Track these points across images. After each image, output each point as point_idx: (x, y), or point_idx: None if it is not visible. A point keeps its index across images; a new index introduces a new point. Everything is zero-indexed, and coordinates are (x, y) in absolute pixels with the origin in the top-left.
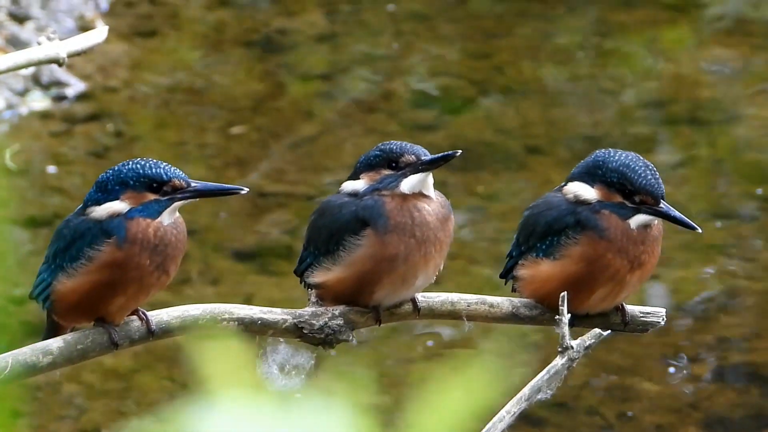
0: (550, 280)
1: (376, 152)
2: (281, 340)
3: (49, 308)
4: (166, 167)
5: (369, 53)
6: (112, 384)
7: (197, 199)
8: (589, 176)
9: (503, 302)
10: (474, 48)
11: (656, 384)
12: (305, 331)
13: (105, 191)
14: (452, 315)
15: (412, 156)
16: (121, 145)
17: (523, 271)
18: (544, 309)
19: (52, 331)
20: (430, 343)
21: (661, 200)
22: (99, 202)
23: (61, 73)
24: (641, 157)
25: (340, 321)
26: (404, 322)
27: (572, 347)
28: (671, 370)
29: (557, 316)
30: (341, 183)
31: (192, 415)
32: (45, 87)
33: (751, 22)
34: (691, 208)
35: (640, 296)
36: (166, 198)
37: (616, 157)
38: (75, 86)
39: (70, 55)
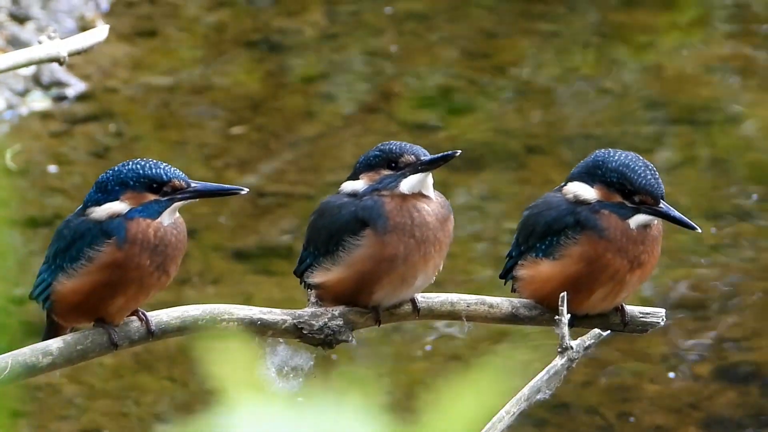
0: (550, 281)
1: (376, 152)
2: (281, 340)
3: (49, 308)
4: (166, 167)
5: (369, 53)
6: (112, 384)
7: (197, 200)
8: (588, 176)
9: (503, 303)
10: (474, 48)
11: (656, 384)
12: (305, 332)
13: (105, 192)
14: (452, 315)
15: (412, 156)
16: (122, 146)
17: (522, 272)
18: (544, 309)
19: (52, 331)
20: (428, 347)
21: (661, 200)
22: (99, 203)
23: (62, 74)
24: (641, 157)
25: (339, 321)
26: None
27: (572, 347)
28: (671, 370)
29: (557, 317)
30: (341, 183)
31: (215, 423)
32: (45, 87)
33: (751, 22)
34: (691, 208)
35: (639, 296)
36: (166, 198)
37: (616, 157)
38: (75, 86)
39: (71, 54)
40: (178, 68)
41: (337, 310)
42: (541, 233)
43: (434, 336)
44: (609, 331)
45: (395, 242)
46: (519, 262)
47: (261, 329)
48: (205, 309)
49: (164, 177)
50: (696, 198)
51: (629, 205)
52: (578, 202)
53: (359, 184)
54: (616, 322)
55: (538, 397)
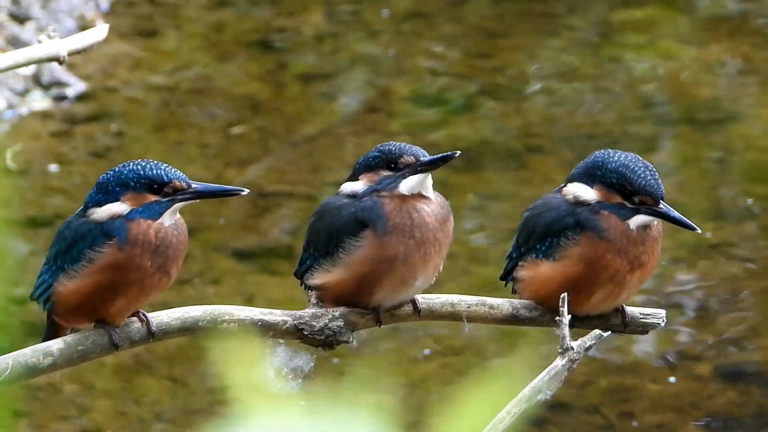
0: (550, 282)
1: (375, 153)
2: (281, 341)
3: (49, 309)
4: (167, 168)
5: (369, 53)
6: (112, 384)
7: (198, 200)
8: (588, 177)
9: (503, 303)
10: (474, 48)
11: (656, 384)
12: (305, 333)
13: (105, 192)
14: (452, 316)
15: (411, 157)
16: (122, 146)
17: (523, 273)
18: (545, 310)
19: (53, 332)
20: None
21: (661, 201)
22: (100, 204)
23: (62, 73)
24: (641, 158)
25: (340, 322)
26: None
27: (572, 348)
28: (671, 370)
29: (557, 318)
30: (341, 183)
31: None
32: (45, 87)
33: (751, 22)
34: (691, 208)
35: (640, 297)
36: (166, 199)
37: (616, 158)
38: (75, 86)
39: (71, 54)
40: (178, 68)
41: (338, 311)
42: (541, 234)
43: (434, 337)
44: (609, 332)
45: (395, 243)
46: (519, 264)
47: (262, 330)
48: (205, 310)
49: (165, 178)
50: (696, 198)
51: (629, 205)
52: (578, 203)
53: (359, 185)
54: (617, 322)
55: (538, 397)
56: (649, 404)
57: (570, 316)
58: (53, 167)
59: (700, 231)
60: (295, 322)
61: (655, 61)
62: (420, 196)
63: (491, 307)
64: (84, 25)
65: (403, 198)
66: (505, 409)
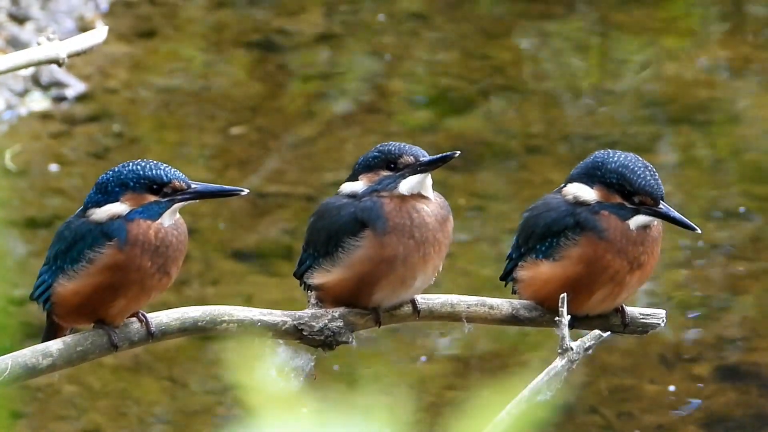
0: (550, 282)
1: (375, 153)
2: (281, 341)
3: (49, 309)
4: (166, 168)
5: (369, 53)
6: (112, 385)
7: (197, 200)
8: (588, 177)
9: (503, 304)
10: (474, 48)
11: (656, 384)
12: (305, 333)
13: (105, 193)
14: (452, 317)
15: (411, 157)
16: (121, 146)
17: (522, 273)
18: (544, 311)
19: (52, 332)
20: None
21: (661, 201)
22: (99, 204)
23: (61, 74)
24: (640, 158)
25: (339, 323)
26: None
27: (572, 349)
28: (671, 370)
29: (557, 318)
30: (341, 183)
31: None
32: (45, 88)
33: (751, 22)
34: (691, 208)
35: (639, 297)
36: (166, 199)
37: (615, 158)
38: (75, 87)
39: (70, 56)
40: (178, 69)
41: (337, 311)
42: (540, 235)
43: (434, 337)
44: (609, 332)
45: (394, 243)
46: (519, 264)
47: (261, 330)
48: (204, 310)
49: (164, 178)
50: (696, 198)
51: (629, 206)
52: (578, 204)
53: (358, 185)
54: (617, 323)
55: (538, 398)
56: (648, 405)
57: (569, 316)
58: (53, 168)
59: (699, 231)
60: (295, 322)
61: (655, 61)
62: (420, 196)
63: (491, 307)
64: (83, 26)
65: (403, 198)
66: (505, 409)
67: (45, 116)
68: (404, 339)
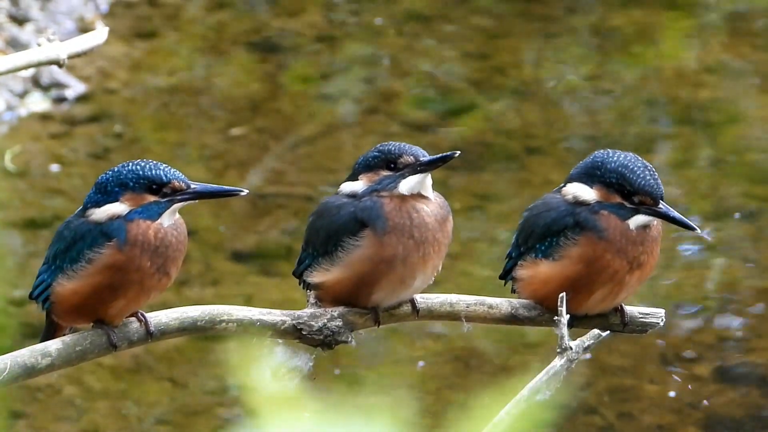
0: (550, 281)
1: (375, 153)
2: (280, 341)
3: (48, 309)
4: (166, 169)
5: (369, 54)
6: (111, 385)
7: (197, 201)
8: (588, 177)
9: (502, 303)
10: (474, 49)
11: (656, 384)
12: (304, 333)
13: (104, 193)
14: (451, 316)
15: (411, 157)
16: (121, 147)
17: (522, 272)
18: (543, 310)
19: (51, 331)
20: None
21: (660, 201)
22: (99, 204)
23: (61, 75)
24: (640, 158)
25: (339, 322)
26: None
27: (571, 348)
28: (671, 370)
29: (556, 317)
30: (341, 184)
31: None
32: (45, 88)
33: (751, 22)
34: (691, 208)
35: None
36: (165, 200)
37: (615, 158)
38: (75, 88)
39: (70, 57)
40: (178, 69)
41: (337, 310)
42: (540, 234)
43: (434, 337)
44: (608, 332)
45: (394, 243)
46: (518, 263)
47: (260, 330)
48: (204, 310)
49: (164, 178)
50: (696, 198)
51: (628, 205)
52: (578, 203)
53: (358, 185)
54: (616, 322)
55: (537, 397)
56: (648, 404)
57: (569, 315)
58: (52, 168)
59: (699, 231)
60: (294, 321)
61: (655, 62)
62: (419, 196)
63: (490, 306)
64: (83, 27)
65: (403, 198)
66: (504, 409)
67: (45, 117)
68: (404, 339)
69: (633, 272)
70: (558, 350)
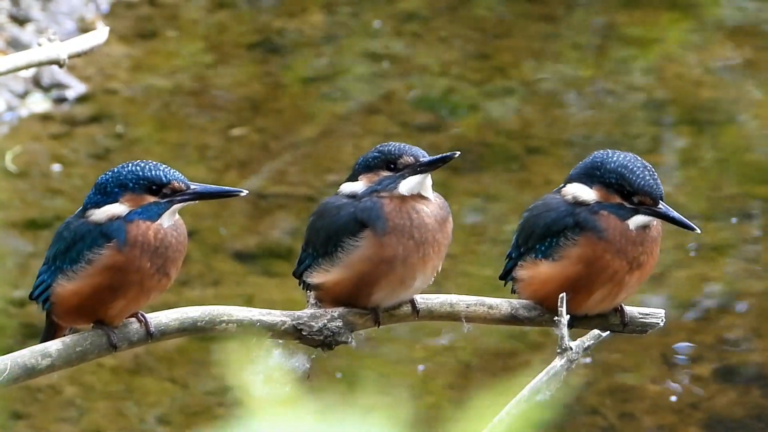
0: (549, 282)
1: (375, 154)
2: (280, 342)
3: (48, 309)
4: (166, 169)
5: (369, 54)
6: (112, 385)
7: (197, 201)
8: (587, 177)
9: (502, 303)
10: (475, 49)
11: (656, 384)
12: (304, 333)
13: (104, 193)
14: (451, 316)
15: (411, 157)
16: (122, 147)
17: (522, 273)
18: (543, 310)
19: (51, 331)
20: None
21: (660, 201)
22: (98, 205)
23: (62, 75)
24: (640, 158)
25: (339, 323)
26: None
27: (571, 348)
28: (671, 370)
29: (556, 318)
30: (341, 184)
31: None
32: (45, 89)
33: (752, 23)
34: (691, 209)
35: (639, 297)
36: (165, 200)
37: (615, 158)
38: (75, 88)
39: (71, 57)
40: (179, 70)
41: (337, 311)
42: (540, 234)
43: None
44: (608, 332)
45: (394, 244)
46: (518, 264)
47: (260, 330)
48: (204, 310)
49: (164, 179)
50: (696, 198)
51: (628, 206)
52: (577, 204)
53: (358, 186)
54: (616, 322)
55: (537, 398)
56: (648, 404)
57: (569, 316)
58: (53, 168)
59: (699, 231)
60: (294, 322)
61: (656, 62)
62: (419, 196)
63: (490, 307)
64: (84, 27)
65: (403, 198)
66: (504, 409)
67: (46, 117)
68: (404, 339)
69: (633, 272)
70: (558, 350)
